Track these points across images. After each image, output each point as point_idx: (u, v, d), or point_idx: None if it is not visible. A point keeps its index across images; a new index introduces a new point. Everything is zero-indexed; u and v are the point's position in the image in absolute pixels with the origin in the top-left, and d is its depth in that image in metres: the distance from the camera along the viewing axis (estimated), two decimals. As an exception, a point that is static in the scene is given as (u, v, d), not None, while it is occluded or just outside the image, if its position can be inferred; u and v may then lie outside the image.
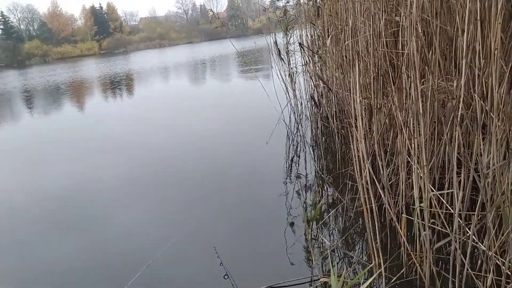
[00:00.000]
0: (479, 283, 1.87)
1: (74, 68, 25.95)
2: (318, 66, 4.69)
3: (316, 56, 4.54)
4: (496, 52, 1.63)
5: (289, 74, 4.94)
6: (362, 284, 2.04)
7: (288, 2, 4.97)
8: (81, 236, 3.09)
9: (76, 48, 49.13)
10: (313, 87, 4.78)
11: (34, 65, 39.18)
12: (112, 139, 6.25)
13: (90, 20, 52.93)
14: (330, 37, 3.80)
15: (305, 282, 2.16)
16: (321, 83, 4.49)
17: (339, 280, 1.85)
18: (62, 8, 53.62)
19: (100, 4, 55.30)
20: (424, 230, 1.84)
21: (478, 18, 1.72)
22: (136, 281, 2.35)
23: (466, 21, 1.71)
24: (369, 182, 2.05)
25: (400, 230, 2.07)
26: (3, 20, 48.70)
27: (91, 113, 9.33)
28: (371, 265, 2.13)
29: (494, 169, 1.74)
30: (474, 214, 1.78)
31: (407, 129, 2.08)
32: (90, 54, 47.85)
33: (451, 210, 2.02)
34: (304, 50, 4.58)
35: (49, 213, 3.64)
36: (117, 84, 14.34)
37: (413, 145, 1.97)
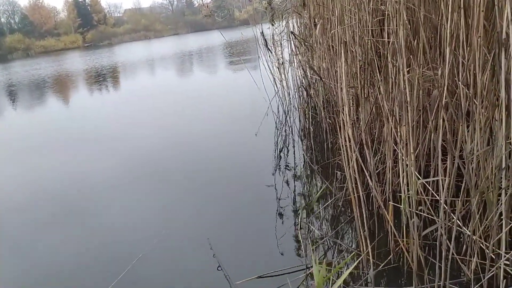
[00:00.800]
0: (465, 267, 1.92)
1: (58, 62, 25.45)
2: (306, 56, 4.68)
3: (305, 45, 4.52)
4: (479, 40, 1.65)
5: (277, 65, 4.92)
6: (351, 271, 2.08)
7: (274, -9, 4.93)
8: (71, 230, 3.07)
9: (59, 41, 48.08)
10: (301, 77, 4.78)
11: (16, 59, 38.26)
12: (100, 132, 6.18)
13: (73, 12, 51.78)
14: (317, 27, 3.79)
15: (295, 271, 2.18)
16: (310, 73, 4.49)
17: (328, 269, 1.88)
18: (44, 0, 52.26)
19: (83, -5, 54.08)
20: (412, 218, 1.87)
21: (462, 6, 1.74)
22: (128, 273, 2.34)
23: (450, 10, 1.72)
24: (356, 171, 2.07)
25: (387, 217, 2.10)
26: (-18, 13, 47.42)
27: (78, 107, 9.21)
28: (359, 252, 2.16)
29: (478, 155, 1.78)
30: (459, 200, 1.82)
31: (393, 117, 2.10)
32: (74, 47, 46.91)
33: (437, 196, 2.06)
34: (294, 39, 4.56)
35: (40, 205, 3.60)
36: (103, 78, 14.12)
37: (399, 134, 1.99)
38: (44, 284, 2.47)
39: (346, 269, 2.13)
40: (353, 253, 2.26)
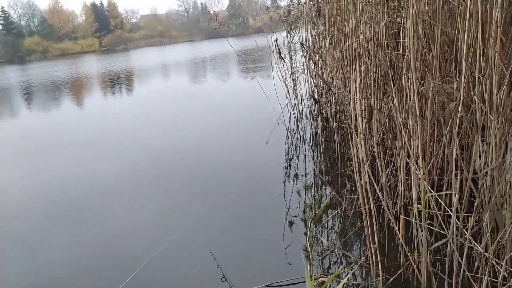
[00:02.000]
0: (475, 284, 1.88)
1: (76, 65, 25.93)
2: (318, 66, 4.69)
3: (317, 56, 4.54)
4: (496, 55, 1.64)
5: (290, 73, 4.94)
6: (360, 284, 2.05)
7: (291, 1, 4.98)
8: (77, 232, 3.09)
9: (76, 45, 49.08)
10: (313, 86, 4.78)
11: (34, 61, 39.10)
12: (108, 134, 6.25)
13: (91, 17, 52.87)
14: (329, 37, 3.80)
15: (303, 282, 2.17)
16: (321, 83, 4.49)
17: (337, 280, 1.86)
18: (62, 4, 53.76)
19: (101, 1, 55.22)
20: (422, 231, 1.85)
21: (479, 20, 1.73)
22: (132, 280, 2.35)
23: (467, 23, 1.72)
24: (367, 183, 2.06)
25: (397, 231, 2.07)
26: (3, 15, 48.66)
27: (93, 109, 9.34)
28: (368, 265, 2.14)
29: (492, 171, 1.75)
30: (471, 216, 1.79)
31: (407, 130, 2.09)
32: (90, 51, 47.78)
33: (449, 211, 2.03)
34: (305, 49, 4.59)
35: (47, 207, 3.64)
36: (118, 81, 14.34)
37: (412, 147, 1.98)
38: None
39: (355, 282, 2.11)
40: (362, 265, 2.24)
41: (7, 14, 49.19)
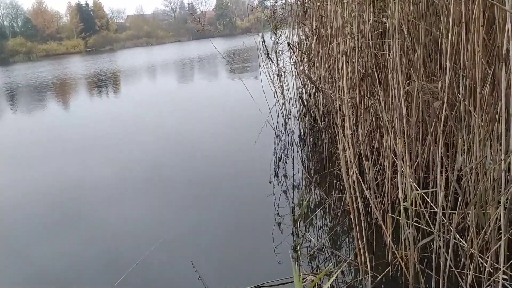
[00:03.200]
0: (462, 280, 1.91)
1: (60, 66, 25.52)
2: (306, 66, 4.71)
3: (305, 56, 4.56)
4: (479, 54, 1.67)
5: (277, 74, 4.95)
6: (349, 282, 2.07)
7: (276, 1, 4.99)
8: (71, 234, 3.05)
9: (61, 46, 48.25)
10: (301, 86, 4.80)
11: (18, 62, 38.35)
12: (103, 138, 6.17)
13: (76, 17, 52.07)
14: (316, 37, 3.82)
15: (292, 282, 2.17)
16: (308, 83, 4.51)
17: (326, 279, 1.87)
18: (47, 4, 52.82)
19: (86, 1, 54.42)
20: (408, 229, 1.87)
21: (463, 20, 1.76)
22: (122, 282, 2.33)
23: (451, 23, 1.74)
24: (355, 182, 2.07)
25: (385, 229, 2.09)
26: (-15, 16, 47.65)
27: (80, 111, 9.22)
28: (356, 263, 2.15)
29: (476, 168, 1.78)
30: (456, 213, 1.82)
31: (393, 129, 2.11)
32: (76, 51, 47.06)
33: (436, 209, 2.05)
34: (292, 50, 4.60)
35: (42, 210, 3.58)
36: (104, 83, 14.16)
37: (398, 145, 2.00)
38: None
39: (344, 280, 2.12)
40: (351, 264, 2.25)
41: (-11, 15, 48.21)
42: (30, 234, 3.18)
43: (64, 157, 5.21)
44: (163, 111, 7.79)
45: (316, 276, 2.07)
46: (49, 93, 13.03)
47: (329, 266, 2.31)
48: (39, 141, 6.39)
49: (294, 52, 4.64)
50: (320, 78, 4.09)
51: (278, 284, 2.15)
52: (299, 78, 4.76)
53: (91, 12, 54.19)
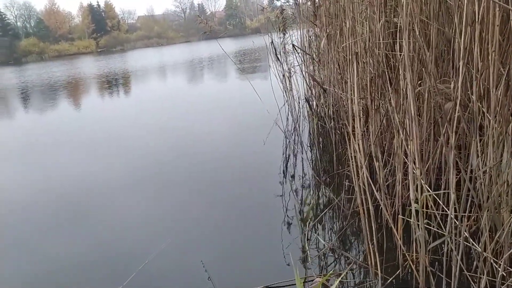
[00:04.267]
0: (474, 284, 1.88)
1: (71, 66, 25.83)
2: (314, 67, 4.68)
3: (312, 56, 4.54)
4: (493, 54, 1.64)
5: (284, 75, 4.93)
6: (359, 284, 2.05)
7: (287, 1, 4.97)
8: (78, 232, 3.08)
9: (73, 46, 48.87)
10: (308, 87, 4.78)
11: (30, 62, 38.91)
12: (107, 135, 6.23)
13: (88, 18, 52.69)
14: (325, 38, 3.79)
15: (302, 282, 2.16)
16: (314, 84, 4.49)
17: (335, 280, 1.85)
18: (59, 5, 53.54)
19: (97, 2, 55.05)
20: (419, 231, 1.85)
21: (476, 20, 1.73)
22: (131, 282, 2.34)
23: (464, 23, 1.71)
24: (365, 183, 2.05)
25: (395, 231, 2.07)
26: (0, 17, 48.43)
27: (92, 111, 9.32)
28: (366, 265, 2.13)
29: (490, 170, 1.75)
30: (469, 215, 1.79)
31: (404, 130, 2.09)
32: (87, 52, 47.60)
33: (447, 211, 2.02)
34: (297, 51, 4.57)
35: (50, 208, 3.63)
36: (116, 83, 14.30)
37: (409, 146, 1.97)
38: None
39: (353, 282, 2.10)
40: (361, 265, 2.23)
41: (3, 16, 48.97)
42: (40, 231, 3.22)
43: (82, 155, 5.27)
44: (174, 112, 7.82)
45: (325, 278, 2.06)
46: (65, 92, 13.21)
47: (337, 267, 2.29)
48: (67, 132, 6.48)
49: (298, 53, 4.62)
50: (329, 78, 4.07)
51: (286, 285, 2.14)
52: (305, 79, 4.74)
53: (103, 13, 54.76)
